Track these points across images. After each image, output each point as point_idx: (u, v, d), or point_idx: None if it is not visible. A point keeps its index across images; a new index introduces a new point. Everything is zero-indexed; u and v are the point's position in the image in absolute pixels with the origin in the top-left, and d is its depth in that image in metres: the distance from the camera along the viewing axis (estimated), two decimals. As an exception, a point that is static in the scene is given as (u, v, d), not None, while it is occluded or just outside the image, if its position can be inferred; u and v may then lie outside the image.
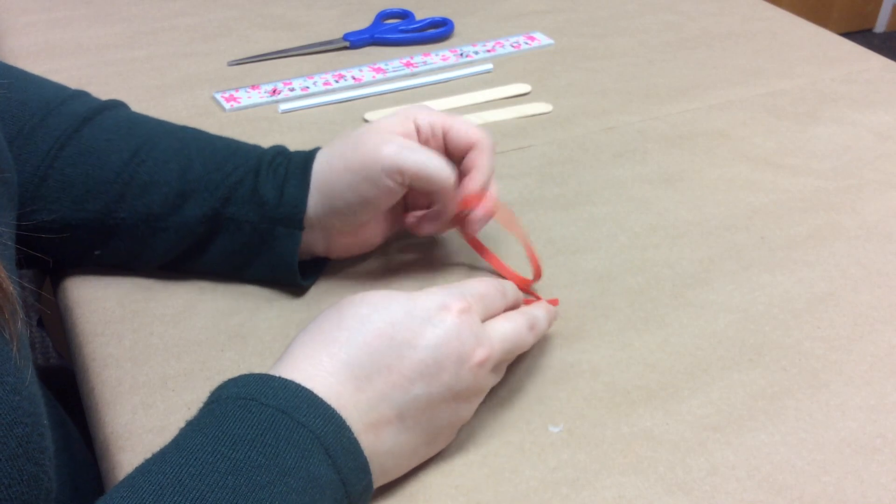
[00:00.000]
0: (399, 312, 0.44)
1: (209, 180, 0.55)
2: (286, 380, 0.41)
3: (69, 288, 0.58)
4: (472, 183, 0.54)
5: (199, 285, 0.58)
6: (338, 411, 0.41)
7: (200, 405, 0.50)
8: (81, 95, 0.60)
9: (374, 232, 0.58)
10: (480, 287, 0.48)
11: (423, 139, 0.56)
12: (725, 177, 0.71)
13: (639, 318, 0.57)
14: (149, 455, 0.38)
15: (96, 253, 0.57)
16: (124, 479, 0.38)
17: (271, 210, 0.54)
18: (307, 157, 0.56)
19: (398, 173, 0.52)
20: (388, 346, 0.43)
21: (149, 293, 0.58)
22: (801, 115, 0.79)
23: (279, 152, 0.57)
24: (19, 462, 0.35)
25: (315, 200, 0.55)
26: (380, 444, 0.43)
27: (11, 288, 0.38)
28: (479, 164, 0.55)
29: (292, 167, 0.55)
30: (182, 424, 0.48)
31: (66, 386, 0.63)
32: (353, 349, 0.43)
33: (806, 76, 0.85)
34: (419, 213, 0.58)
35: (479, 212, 0.55)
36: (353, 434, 0.41)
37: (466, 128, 0.55)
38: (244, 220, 0.55)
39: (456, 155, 0.56)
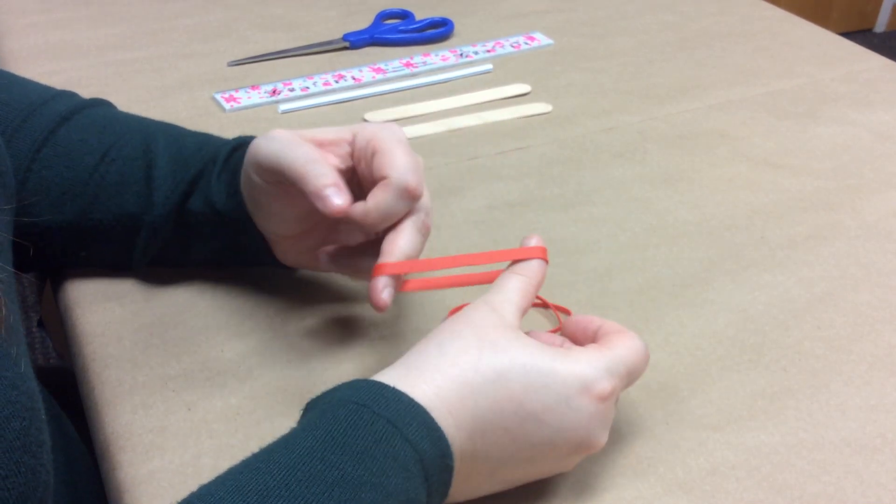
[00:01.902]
0: (538, 381, 0.41)
1: (174, 179, 0.54)
2: (400, 392, 0.40)
3: (69, 288, 0.58)
4: (392, 248, 0.47)
5: (199, 285, 0.58)
6: (444, 432, 0.40)
7: (200, 405, 0.50)
8: (65, 96, 0.59)
9: (306, 247, 0.54)
10: (632, 358, 0.44)
11: (357, 154, 0.50)
12: (725, 177, 0.71)
13: (639, 318, 0.57)
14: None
15: (82, 254, 0.57)
16: (228, 473, 0.38)
17: (221, 205, 0.53)
18: (239, 149, 0.53)
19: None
20: (514, 412, 0.41)
21: (149, 293, 0.58)
22: (801, 115, 0.79)
23: (242, 143, 0.54)
24: (17, 454, 0.35)
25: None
26: (462, 488, 0.43)
27: None
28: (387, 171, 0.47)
29: (233, 160, 0.53)
30: (182, 424, 0.49)
31: (65, 386, 0.63)
32: (483, 402, 0.41)
33: (806, 76, 0.85)
34: (329, 248, 0.53)
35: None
36: (452, 461, 0.41)
37: (388, 160, 0.47)
38: (201, 213, 0.54)
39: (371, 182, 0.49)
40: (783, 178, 0.70)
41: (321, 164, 0.47)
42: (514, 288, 0.45)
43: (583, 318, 0.47)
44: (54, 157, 0.55)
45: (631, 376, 0.44)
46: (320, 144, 0.50)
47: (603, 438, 0.43)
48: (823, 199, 0.68)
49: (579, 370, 0.42)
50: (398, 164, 0.47)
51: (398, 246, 0.47)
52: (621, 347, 0.44)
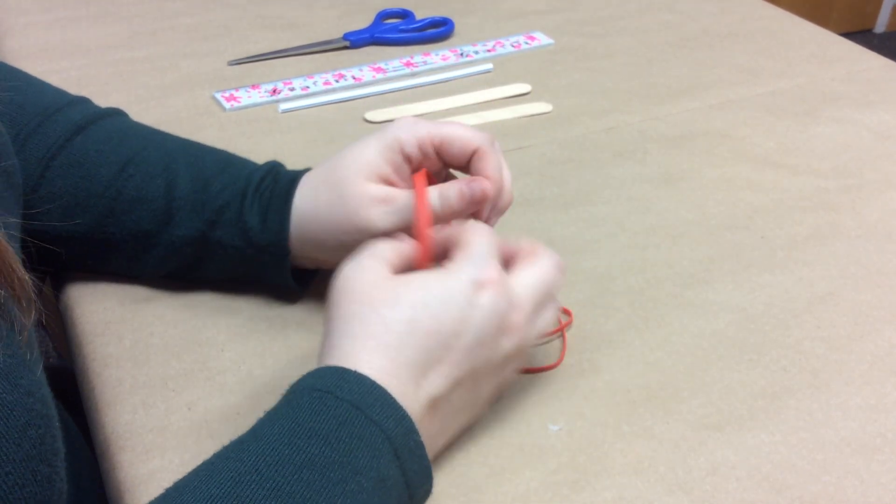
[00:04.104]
0: (440, 307, 0.43)
1: (195, 200, 0.54)
2: (361, 375, 0.42)
3: (69, 288, 0.58)
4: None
5: (199, 285, 0.58)
6: (406, 411, 0.42)
7: (200, 405, 0.50)
8: (80, 103, 0.59)
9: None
10: (487, 237, 0.46)
11: (416, 167, 0.52)
12: (725, 177, 0.71)
13: (639, 317, 0.57)
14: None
15: (89, 262, 0.57)
16: (201, 465, 0.39)
17: (256, 237, 0.53)
18: (289, 185, 0.53)
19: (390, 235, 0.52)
20: (437, 341, 0.43)
21: (149, 293, 0.58)
22: (801, 114, 0.79)
23: (269, 172, 0.55)
24: (33, 463, 0.36)
25: (296, 236, 0.53)
26: (433, 428, 0.44)
27: (27, 277, 0.38)
28: (489, 173, 0.51)
29: (276, 193, 0.53)
30: (182, 424, 0.49)
31: (66, 386, 0.63)
32: (410, 352, 0.43)
33: (806, 76, 0.85)
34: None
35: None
36: (419, 437, 0.42)
37: (462, 134, 0.51)
38: (230, 244, 0.54)
39: (458, 164, 0.53)
40: (783, 178, 0.70)
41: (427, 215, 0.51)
42: (384, 242, 0.47)
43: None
44: (69, 166, 0.55)
45: (494, 251, 0.46)
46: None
47: (514, 316, 0.45)
48: (823, 199, 0.68)
49: (463, 274, 0.44)
50: (471, 141, 0.52)
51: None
52: (473, 230, 0.46)
